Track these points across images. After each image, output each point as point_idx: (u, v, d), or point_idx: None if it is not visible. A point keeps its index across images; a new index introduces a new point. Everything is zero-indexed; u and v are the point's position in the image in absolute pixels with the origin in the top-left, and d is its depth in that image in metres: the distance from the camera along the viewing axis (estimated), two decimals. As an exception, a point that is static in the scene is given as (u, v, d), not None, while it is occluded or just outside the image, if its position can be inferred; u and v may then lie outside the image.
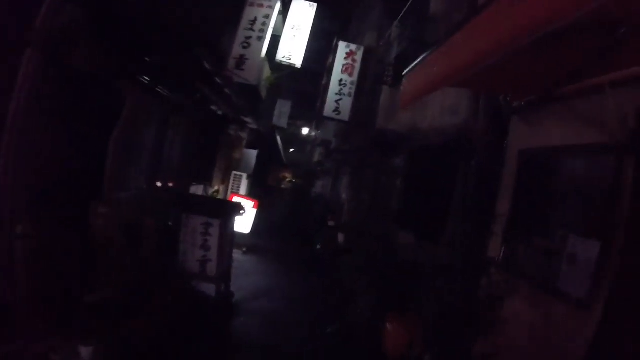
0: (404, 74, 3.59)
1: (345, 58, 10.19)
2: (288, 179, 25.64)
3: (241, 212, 4.76)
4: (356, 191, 9.79)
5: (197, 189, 7.33)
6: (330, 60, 12.31)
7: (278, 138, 16.58)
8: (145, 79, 4.47)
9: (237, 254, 7.79)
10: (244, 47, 7.21)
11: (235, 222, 4.87)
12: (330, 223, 11.07)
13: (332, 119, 10.47)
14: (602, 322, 2.60)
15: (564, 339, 2.86)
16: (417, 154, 6.54)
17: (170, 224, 4.73)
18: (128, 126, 4.51)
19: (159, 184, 5.61)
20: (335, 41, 10.67)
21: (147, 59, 4.36)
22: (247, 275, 6.59)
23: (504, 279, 3.72)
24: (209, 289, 4.81)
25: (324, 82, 15.07)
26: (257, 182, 12.84)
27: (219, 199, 5.94)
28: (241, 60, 7.12)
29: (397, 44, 8.87)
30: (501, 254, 3.94)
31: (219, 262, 4.44)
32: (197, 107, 6.34)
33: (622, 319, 2.55)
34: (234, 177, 9.77)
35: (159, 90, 5.00)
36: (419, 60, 3.43)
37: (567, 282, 2.91)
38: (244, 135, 10.66)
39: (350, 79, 10.02)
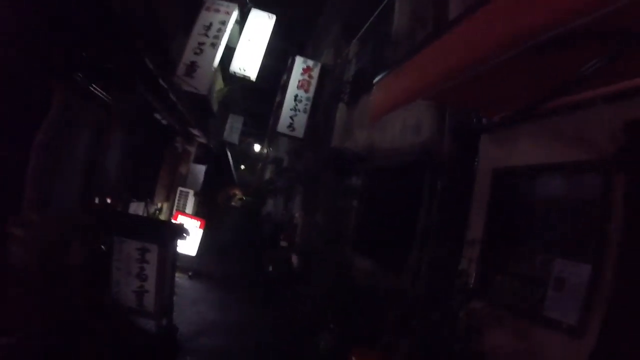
0: (374, 81, 3.29)
1: (302, 74, 9.91)
2: (238, 197, 24.84)
3: (184, 235, 4.18)
4: (309, 212, 9.39)
5: (138, 207, 6.60)
6: (285, 78, 12.00)
7: (229, 154, 15.94)
8: (79, 76, 3.84)
9: (182, 280, 7.08)
10: (196, 54, 6.69)
11: (177, 246, 4.27)
12: (283, 243, 10.56)
13: (285, 135, 10.06)
14: (597, 350, 2.38)
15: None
16: (376, 174, 6.28)
17: (103, 248, 4.05)
18: (55, 130, 3.85)
19: (92, 201, 4.88)
20: (290, 59, 10.39)
21: (82, 53, 3.76)
22: (193, 303, 5.92)
23: (480, 308, 3.45)
24: (149, 324, 4.16)
25: (277, 99, 14.71)
26: (206, 199, 12.09)
27: (158, 220, 5.28)
28: (192, 67, 6.58)
29: (355, 62, 8.72)
30: (474, 281, 3.68)
31: (158, 293, 3.82)
32: (139, 114, 5.70)
33: (618, 345, 2.34)
34: (180, 194, 9.05)
35: (94, 90, 4.37)
36: (390, 70, 3.17)
37: (555, 309, 2.69)
38: (192, 149, 9.98)
39: (306, 95, 9.73)
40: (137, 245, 3.75)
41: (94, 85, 4.17)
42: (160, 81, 5.52)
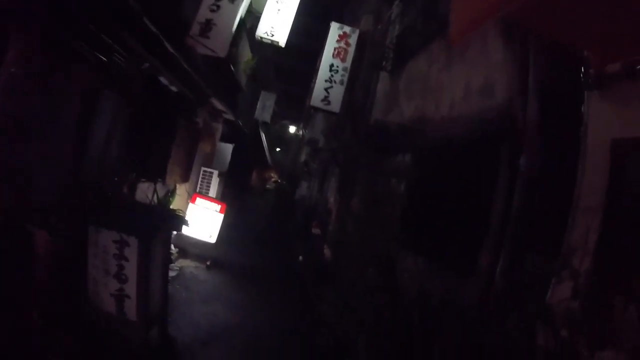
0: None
1: (338, 41, 8.77)
2: (273, 179, 24.17)
3: (179, 225, 3.25)
4: (345, 197, 8.34)
5: (149, 188, 5.78)
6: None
7: (262, 133, 15.10)
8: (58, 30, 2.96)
9: (198, 270, 6.29)
10: (212, 10, 5.70)
11: (169, 239, 3.35)
12: (315, 231, 9.62)
13: (320, 110, 8.98)
14: None
15: None
16: (430, 151, 5.09)
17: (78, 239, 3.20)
18: (18, 88, 3.00)
19: (82, 180, 4.06)
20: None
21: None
22: (204, 302, 5.07)
23: (579, 342, 2.36)
24: (136, 334, 3.30)
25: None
26: (233, 181, 11.29)
27: (144, 204, 4.39)
28: (207, 26, 5.60)
29: (399, 22, 7.48)
30: (576, 305, 2.56)
31: (140, 299, 2.92)
32: (143, 80, 4.82)
33: None
34: (203, 174, 8.24)
35: (82, 49, 3.51)
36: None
37: None
38: (218, 125, 9.13)
39: (343, 65, 8.59)
40: (114, 236, 2.86)
41: (80, 43, 3.28)
42: (166, 43, 4.62)
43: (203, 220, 6.58)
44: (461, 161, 4.24)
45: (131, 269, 2.86)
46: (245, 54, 9.14)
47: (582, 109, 2.91)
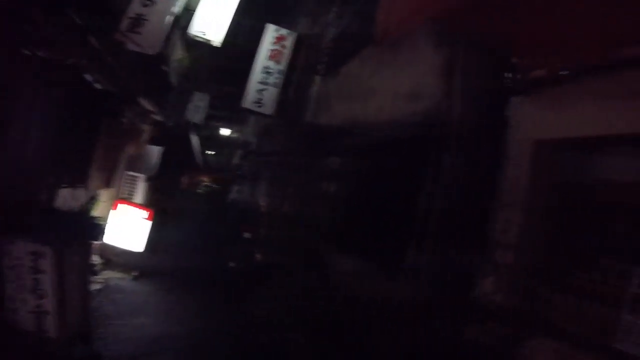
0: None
1: (274, 43, 8.70)
2: (204, 183, 23.37)
3: (96, 233, 3.03)
4: (277, 199, 8.30)
5: (73, 195, 5.28)
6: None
7: (192, 136, 14.55)
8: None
9: (123, 282, 5.89)
10: (145, 5, 5.39)
11: (87, 249, 3.11)
12: (246, 235, 9.46)
13: (252, 112, 8.93)
14: None
15: None
16: (361, 153, 5.24)
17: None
18: None
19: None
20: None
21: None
22: (133, 314, 4.75)
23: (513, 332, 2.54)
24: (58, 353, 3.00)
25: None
26: (162, 186, 10.74)
27: (63, 212, 4.07)
28: (138, 21, 5.29)
29: (335, 26, 7.62)
30: (501, 298, 2.75)
31: (60, 315, 2.66)
32: (63, 75, 4.41)
33: None
34: (126, 179, 7.73)
35: None
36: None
37: (634, 341, 1.96)
38: (145, 127, 8.63)
39: (278, 67, 8.54)
40: (29, 247, 2.57)
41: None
42: (91, 37, 4.29)
43: (129, 228, 6.15)
44: (390, 163, 4.41)
45: (48, 283, 2.59)
46: (179, 52, 8.77)
47: (508, 112, 3.14)
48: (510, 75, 3.00)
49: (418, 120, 3.96)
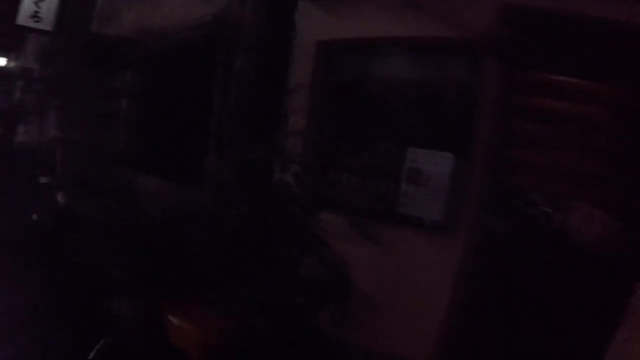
0: None
1: None
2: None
3: None
4: (69, 129, 7.18)
5: None
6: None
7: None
8: None
9: None
10: None
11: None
12: (43, 179, 8.09)
13: (29, 29, 7.30)
14: (468, 245, 2.07)
15: (420, 273, 2.27)
16: (152, 63, 4.70)
17: None
18: None
19: None
20: None
21: None
22: None
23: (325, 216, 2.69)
24: None
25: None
26: None
27: None
28: None
29: None
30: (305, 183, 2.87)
31: None
32: None
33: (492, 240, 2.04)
34: None
35: None
36: None
37: (413, 204, 2.31)
38: None
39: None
40: None
41: None
42: None
43: None
44: (182, 71, 4.08)
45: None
46: None
47: (295, 15, 3.20)
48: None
49: (209, 24, 3.74)
